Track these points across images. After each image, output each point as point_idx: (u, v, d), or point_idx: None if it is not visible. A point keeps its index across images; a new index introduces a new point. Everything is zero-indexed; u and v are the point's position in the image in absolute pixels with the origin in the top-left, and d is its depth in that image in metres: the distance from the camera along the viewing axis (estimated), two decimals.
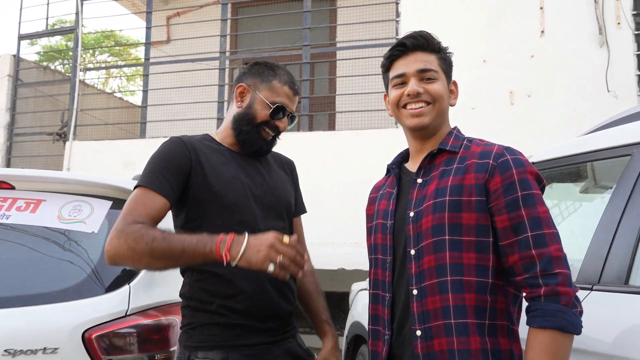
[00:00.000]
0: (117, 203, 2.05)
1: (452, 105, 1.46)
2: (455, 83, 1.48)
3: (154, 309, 1.91)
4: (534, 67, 5.00)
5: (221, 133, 1.73)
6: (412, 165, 1.46)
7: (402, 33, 5.40)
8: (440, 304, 1.26)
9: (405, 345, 1.31)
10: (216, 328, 1.53)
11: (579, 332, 1.16)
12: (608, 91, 4.84)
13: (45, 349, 1.71)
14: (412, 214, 1.34)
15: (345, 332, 3.38)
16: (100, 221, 2.00)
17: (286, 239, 1.35)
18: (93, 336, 1.76)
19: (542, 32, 5.07)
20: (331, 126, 6.58)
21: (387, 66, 1.46)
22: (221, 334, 1.53)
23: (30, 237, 2.02)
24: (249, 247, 1.33)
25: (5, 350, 1.70)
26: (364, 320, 2.31)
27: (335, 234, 4.97)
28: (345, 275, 5.02)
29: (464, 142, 1.39)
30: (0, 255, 2.04)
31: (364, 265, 1.52)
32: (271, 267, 1.31)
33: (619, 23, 4.94)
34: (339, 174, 5.24)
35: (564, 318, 1.15)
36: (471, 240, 1.26)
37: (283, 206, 1.72)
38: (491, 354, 1.22)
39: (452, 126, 1.47)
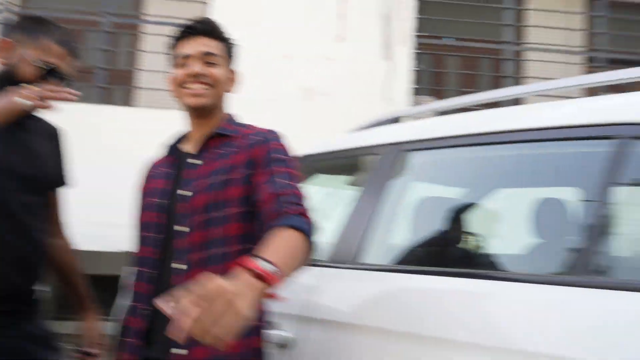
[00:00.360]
0: None
1: (228, 92, 1.55)
2: (234, 71, 1.58)
3: None
4: (331, 68, 5.40)
5: None
6: (189, 147, 1.52)
7: (215, 15, 5.38)
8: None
9: (166, 319, 1.34)
10: None
11: (314, 248, 1.29)
12: (389, 99, 5.47)
13: None
14: (184, 192, 1.42)
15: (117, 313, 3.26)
16: None
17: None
18: None
19: (340, 37, 5.51)
20: (129, 102, 6.23)
21: (173, 45, 1.52)
22: None
23: None
24: None
25: None
26: None
27: (123, 215, 4.74)
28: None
29: (238, 127, 1.53)
30: None
31: None
32: (26, 102, 1.34)
33: (401, 41, 5.61)
34: (133, 153, 4.99)
35: (307, 224, 1.28)
36: (238, 212, 1.38)
37: (44, 179, 1.62)
38: None
39: (235, 113, 1.58)
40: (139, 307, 1.41)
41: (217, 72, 1.49)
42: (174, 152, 1.54)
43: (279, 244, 1.18)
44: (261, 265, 1.07)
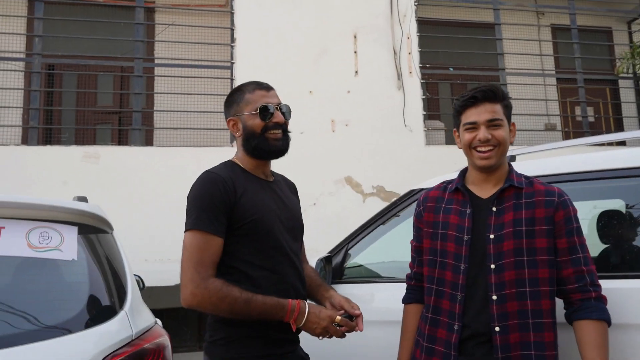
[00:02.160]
0: (82, 228, 1.97)
1: (511, 144, 1.74)
2: (514, 124, 1.75)
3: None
4: (350, 101, 5.84)
5: (242, 161, 1.81)
6: (478, 191, 1.74)
7: (238, 58, 5.74)
8: (518, 307, 1.60)
9: (477, 337, 1.62)
10: (254, 340, 1.68)
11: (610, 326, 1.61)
12: (405, 126, 5.96)
13: None
14: (492, 236, 1.64)
15: None
16: (75, 248, 1.86)
17: (338, 318, 1.68)
18: None
19: (356, 72, 5.98)
20: (149, 142, 6.44)
21: (459, 111, 1.73)
22: (257, 345, 1.67)
23: (5, 267, 1.77)
24: (308, 322, 1.66)
25: None
26: None
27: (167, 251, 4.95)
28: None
29: (524, 179, 1.73)
30: None
31: None
32: (321, 337, 1.69)
33: (410, 72, 6.13)
34: (171, 190, 5.24)
35: (608, 314, 1.60)
36: (546, 259, 1.61)
37: (299, 229, 1.88)
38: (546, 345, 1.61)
39: (508, 164, 1.76)
40: (447, 321, 1.66)
41: (501, 133, 1.66)
42: (464, 194, 1.73)
43: (601, 343, 1.55)
44: None
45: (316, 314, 1.65)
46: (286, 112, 1.80)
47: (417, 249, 1.84)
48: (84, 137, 6.08)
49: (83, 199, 2.14)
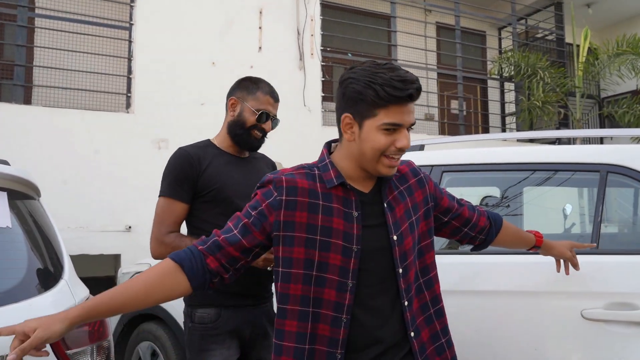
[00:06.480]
0: (13, 194, 1.83)
1: None
2: None
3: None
4: (253, 75, 5.81)
5: (219, 137, 2.08)
6: (357, 184, 1.39)
7: (138, 19, 5.42)
8: (419, 303, 1.43)
9: (389, 352, 1.35)
10: (211, 291, 1.76)
11: None
12: (304, 105, 6.11)
13: None
14: (395, 237, 1.36)
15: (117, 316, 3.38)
16: (8, 214, 1.72)
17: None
18: None
19: (260, 48, 5.97)
20: (26, 100, 5.84)
21: (377, 104, 1.29)
22: (211, 295, 1.87)
23: None
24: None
25: None
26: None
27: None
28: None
29: None
30: None
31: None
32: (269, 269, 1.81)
33: (312, 54, 6.28)
34: (57, 154, 4.86)
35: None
36: (431, 242, 1.48)
37: None
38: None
39: None
40: (328, 350, 1.33)
41: (410, 139, 1.35)
42: (348, 191, 1.37)
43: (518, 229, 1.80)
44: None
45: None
46: (275, 124, 2.09)
47: (247, 226, 1.37)
48: None
49: (4, 162, 1.98)
